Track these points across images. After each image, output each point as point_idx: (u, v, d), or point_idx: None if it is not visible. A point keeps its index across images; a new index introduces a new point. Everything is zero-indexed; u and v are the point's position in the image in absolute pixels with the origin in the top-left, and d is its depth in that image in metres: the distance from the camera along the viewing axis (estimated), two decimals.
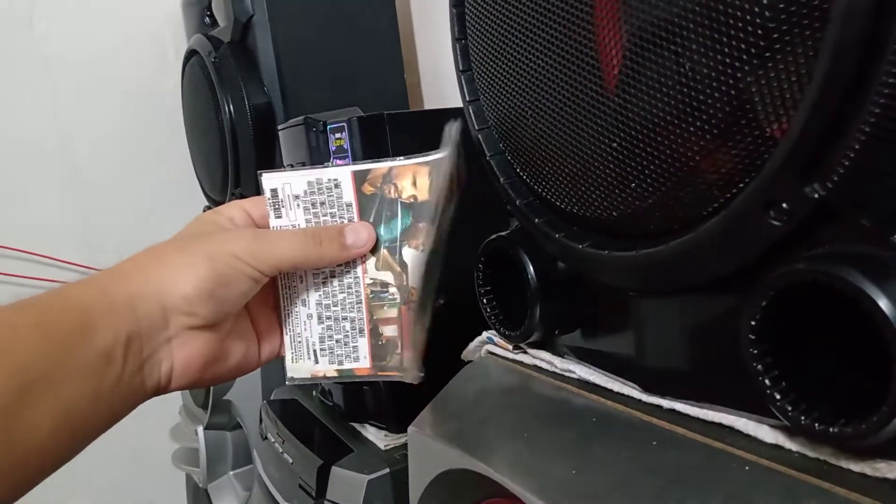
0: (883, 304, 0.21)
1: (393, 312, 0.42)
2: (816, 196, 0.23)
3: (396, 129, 0.62)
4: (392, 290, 0.42)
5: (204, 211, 1.10)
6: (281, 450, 0.74)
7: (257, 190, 0.97)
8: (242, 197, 0.93)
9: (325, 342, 0.43)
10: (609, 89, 0.30)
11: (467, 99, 0.39)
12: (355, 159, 0.59)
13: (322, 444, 0.69)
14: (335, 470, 0.63)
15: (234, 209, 0.43)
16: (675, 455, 0.29)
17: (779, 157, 0.24)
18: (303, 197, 0.42)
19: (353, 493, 0.61)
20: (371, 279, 0.42)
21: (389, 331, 0.42)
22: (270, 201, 0.42)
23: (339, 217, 0.42)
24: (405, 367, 0.40)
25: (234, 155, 0.90)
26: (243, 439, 1.03)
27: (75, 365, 0.32)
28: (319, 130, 0.62)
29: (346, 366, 0.43)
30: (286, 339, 0.43)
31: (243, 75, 0.88)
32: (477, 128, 0.39)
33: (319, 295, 0.43)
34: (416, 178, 0.40)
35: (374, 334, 0.42)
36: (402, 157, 0.41)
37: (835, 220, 0.24)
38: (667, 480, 0.27)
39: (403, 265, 0.42)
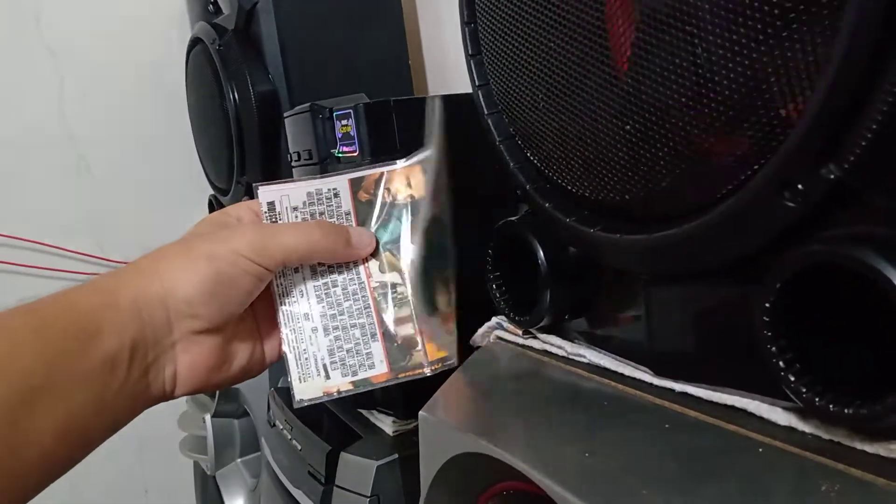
0: None
1: (406, 311, 0.41)
2: (832, 177, 0.23)
3: (403, 115, 0.61)
4: (401, 289, 0.41)
5: (209, 200, 1.11)
6: (289, 437, 0.75)
7: (264, 178, 0.97)
8: (248, 185, 0.93)
9: (336, 354, 0.41)
10: (621, 71, 0.30)
11: (477, 83, 0.39)
12: (362, 146, 0.59)
13: (330, 431, 0.69)
14: (344, 456, 0.64)
15: (242, 209, 0.42)
16: (687, 438, 0.29)
17: (795, 138, 0.23)
18: (301, 208, 0.41)
19: (362, 478, 0.62)
20: (377, 282, 0.41)
21: (404, 330, 0.41)
22: (267, 214, 0.41)
23: None
24: (452, 353, 0.39)
25: (239, 143, 0.89)
26: (251, 427, 1.03)
27: (79, 372, 0.32)
28: (326, 117, 0.62)
29: (362, 375, 0.40)
30: (290, 358, 0.41)
31: (248, 63, 0.88)
32: (487, 112, 0.39)
33: (323, 306, 0.41)
34: (410, 178, 0.40)
35: (388, 337, 0.41)
36: (392, 162, 0.41)
37: (851, 202, 0.24)
38: (680, 463, 0.27)
39: (408, 263, 0.42)
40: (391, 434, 0.66)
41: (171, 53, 1.26)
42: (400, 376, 0.40)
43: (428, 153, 0.39)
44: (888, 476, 0.23)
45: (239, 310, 0.38)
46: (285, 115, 0.70)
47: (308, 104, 0.63)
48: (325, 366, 0.40)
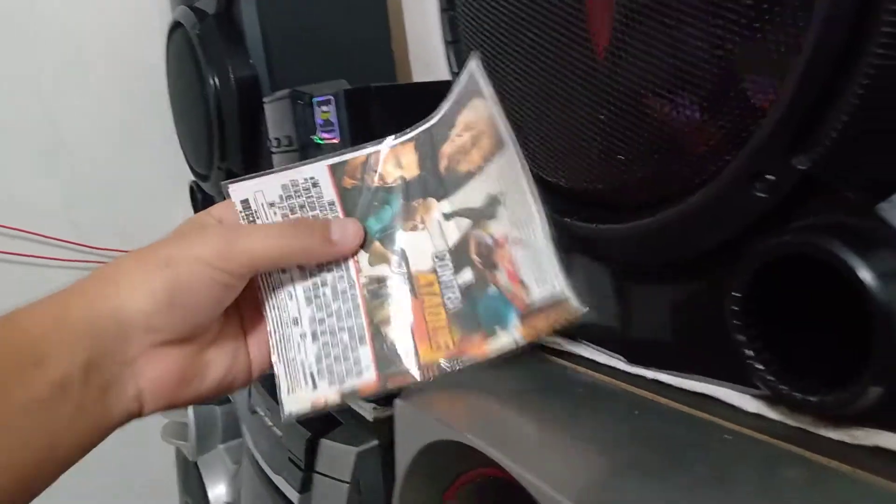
0: (865, 274, 0.22)
1: (396, 308, 0.37)
2: (803, 168, 0.23)
3: (384, 101, 0.61)
4: (391, 282, 0.37)
5: (190, 186, 1.10)
6: (270, 423, 0.75)
7: (245, 166, 0.96)
8: (229, 171, 0.92)
9: (322, 361, 0.37)
10: (598, 60, 0.30)
11: (454, 71, 0.38)
12: (342, 133, 0.59)
13: (311, 417, 0.69)
14: (324, 442, 0.64)
15: (225, 209, 0.39)
16: (658, 424, 0.29)
17: (766, 130, 0.24)
18: (279, 203, 0.37)
19: (342, 464, 0.62)
20: (367, 277, 0.37)
21: (395, 330, 0.36)
22: (243, 214, 0.37)
23: (324, 218, 0.38)
24: (566, 295, 0.30)
25: (219, 129, 0.89)
26: (232, 413, 1.03)
27: (20, 403, 0.29)
28: (306, 103, 0.61)
29: (349, 384, 0.36)
30: (279, 368, 0.37)
31: (228, 47, 0.87)
32: None
33: (312, 309, 0.37)
34: (401, 158, 0.36)
35: (377, 338, 0.36)
36: (378, 142, 0.37)
37: (820, 193, 0.24)
38: (650, 450, 0.27)
39: (401, 252, 0.37)
40: (371, 420, 0.66)
41: (151, 37, 1.24)
42: (389, 384, 0.36)
43: (424, 127, 0.35)
44: (852, 462, 0.24)
45: (207, 320, 0.35)
46: (265, 100, 0.70)
47: (288, 90, 0.63)
48: (311, 374, 0.37)
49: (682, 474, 0.25)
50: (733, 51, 0.24)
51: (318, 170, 0.37)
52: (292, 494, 0.67)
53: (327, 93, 0.59)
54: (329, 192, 0.37)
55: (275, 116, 0.67)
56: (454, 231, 0.35)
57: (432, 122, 0.36)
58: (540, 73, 0.33)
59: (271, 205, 0.37)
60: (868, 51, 0.20)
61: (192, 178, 1.09)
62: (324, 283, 0.37)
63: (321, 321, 0.37)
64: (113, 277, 0.33)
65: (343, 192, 0.37)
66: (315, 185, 0.37)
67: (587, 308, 0.30)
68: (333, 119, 0.59)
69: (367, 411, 0.67)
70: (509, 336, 0.33)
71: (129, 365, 0.33)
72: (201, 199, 1.04)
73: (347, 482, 0.61)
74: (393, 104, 0.63)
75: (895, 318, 0.21)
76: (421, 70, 1.02)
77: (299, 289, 0.37)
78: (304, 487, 0.65)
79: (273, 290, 0.38)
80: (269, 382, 0.84)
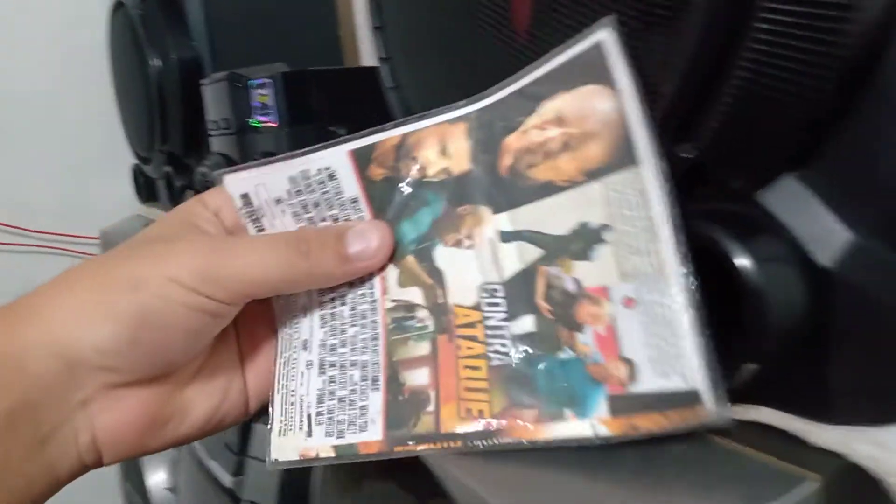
0: (739, 257, 0.23)
1: (422, 348, 0.28)
2: (689, 157, 0.24)
3: (323, 85, 0.61)
4: (421, 313, 0.28)
5: (133, 172, 1.08)
6: None
7: (185, 148, 0.94)
8: (170, 155, 0.91)
9: (325, 402, 0.29)
10: (518, 41, 0.30)
11: (382, 57, 0.39)
12: (280, 117, 0.59)
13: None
14: (256, 427, 0.64)
15: (223, 196, 0.31)
16: None
17: (655, 120, 0.25)
18: (287, 200, 0.29)
19: None
20: (392, 302, 0.29)
21: (415, 377, 0.28)
22: (244, 211, 0.30)
23: (345, 220, 0.30)
24: (703, 397, 0.21)
25: (160, 111, 0.87)
26: None
27: None
28: (242, 86, 0.61)
29: (349, 439, 0.28)
30: (276, 401, 0.30)
31: (170, 28, 0.85)
32: (391, 87, 0.39)
33: (325, 332, 0.30)
34: (447, 142, 0.27)
35: (392, 384, 0.28)
36: (418, 116, 0.27)
37: (706, 181, 0.25)
38: None
39: (437, 274, 0.28)
40: None
41: (92, 17, 1.21)
42: (395, 451, 0.27)
43: (487, 102, 0.26)
44: (728, 436, 0.25)
45: (184, 357, 0.28)
46: (203, 82, 0.69)
47: (225, 72, 0.63)
48: (308, 417, 0.29)
49: (569, 453, 0.26)
50: (633, 44, 0.25)
51: (336, 157, 0.28)
52: (226, 479, 0.67)
53: (264, 75, 0.59)
54: (351, 185, 0.29)
55: (212, 99, 0.67)
56: (514, 259, 0.26)
57: (496, 97, 0.26)
58: (461, 55, 0.33)
59: (278, 202, 0.30)
60: (745, 44, 0.22)
61: (135, 161, 1.07)
62: (342, 300, 0.30)
63: (332, 349, 0.30)
64: (56, 302, 0.26)
65: (370, 186, 0.29)
66: (332, 177, 0.29)
67: (729, 415, 0.22)
68: (271, 102, 0.59)
69: None
70: (586, 426, 0.24)
71: (77, 411, 0.26)
72: (143, 183, 1.02)
73: None
74: (333, 88, 0.63)
75: (767, 298, 0.23)
76: (369, 54, 1.02)
77: (316, 302, 0.30)
78: (238, 471, 0.65)
79: (288, 301, 0.31)
80: None
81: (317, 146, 0.29)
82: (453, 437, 0.26)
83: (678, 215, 0.22)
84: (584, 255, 0.24)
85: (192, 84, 0.86)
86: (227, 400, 0.30)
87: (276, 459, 0.30)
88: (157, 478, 1.03)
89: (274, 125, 0.58)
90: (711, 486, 0.23)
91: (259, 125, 0.60)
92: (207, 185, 0.67)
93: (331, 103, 0.61)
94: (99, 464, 0.28)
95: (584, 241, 0.24)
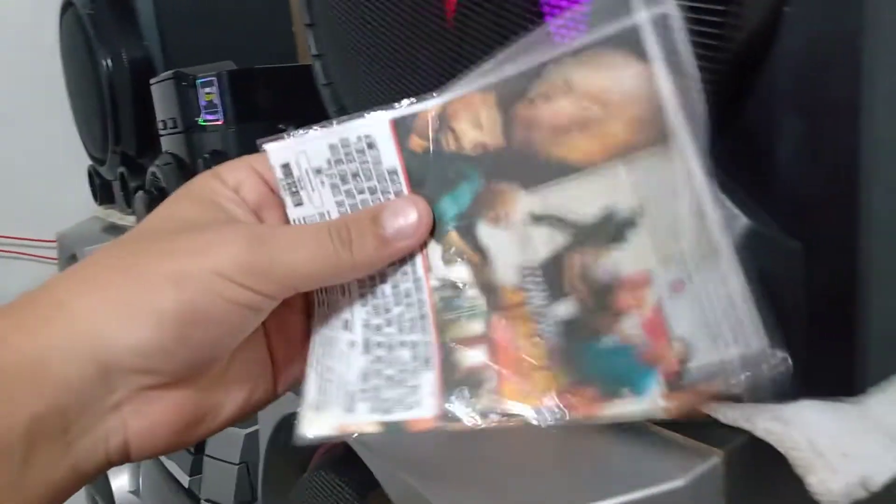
0: None
1: (476, 328, 0.27)
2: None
3: (269, 83, 0.61)
4: (471, 292, 0.27)
5: (88, 170, 1.07)
6: None
7: (139, 149, 0.94)
8: (124, 155, 0.90)
9: (370, 380, 0.28)
10: (447, 26, 0.30)
11: (314, 53, 0.39)
12: (226, 116, 0.59)
13: None
14: None
15: (242, 170, 0.29)
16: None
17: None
18: (327, 170, 0.28)
19: (230, 447, 0.62)
20: (438, 280, 0.28)
21: (470, 357, 0.27)
22: (284, 183, 0.29)
23: (383, 193, 0.28)
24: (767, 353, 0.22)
25: (112, 111, 0.86)
26: None
27: None
28: (189, 85, 0.61)
29: (397, 415, 0.27)
30: (311, 377, 0.30)
31: (120, 27, 0.85)
32: (323, 83, 0.39)
33: (368, 311, 0.29)
34: (480, 114, 0.25)
35: (448, 364, 0.27)
36: (461, 83, 0.26)
37: None
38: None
39: (482, 252, 0.27)
40: None
41: (43, 16, 1.19)
42: (450, 427, 0.27)
43: (513, 72, 0.24)
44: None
45: (224, 354, 0.27)
46: (151, 81, 0.69)
47: (172, 71, 0.62)
48: (351, 394, 0.28)
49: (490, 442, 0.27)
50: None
51: (377, 125, 0.27)
52: (183, 478, 0.67)
53: (210, 74, 0.59)
54: (390, 156, 0.28)
55: (161, 98, 0.67)
56: (545, 243, 0.25)
57: (526, 65, 0.24)
58: (388, 50, 0.34)
59: (318, 171, 0.28)
60: None
61: (90, 163, 1.06)
62: (382, 279, 0.29)
63: (377, 328, 0.29)
64: (87, 300, 0.24)
65: (409, 157, 0.27)
66: (371, 145, 0.28)
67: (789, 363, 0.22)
68: (217, 101, 0.59)
69: None
70: (645, 405, 0.24)
71: (108, 414, 0.25)
72: (99, 185, 1.01)
73: (236, 464, 0.61)
74: (280, 86, 0.63)
75: None
76: None
77: (354, 282, 0.29)
78: (195, 470, 0.65)
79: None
80: None
81: (357, 113, 0.28)
82: (517, 414, 0.26)
83: (717, 190, 0.22)
84: (618, 240, 0.23)
85: (144, 84, 0.85)
86: (258, 387, 0.29)
87: (305, 434, 0.29)
88: (120, 481, 1.02)
89: (219, 123, 0.58)
90: (619, 466, 0.24)
91: (205, 124, 0.60)
92: (158, 185, 0.67)
93: (278, 100, 0.61)
94: (126, 461, 0.26)
95: (614, 227, 0.23)
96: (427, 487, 0.25)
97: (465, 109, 0.26)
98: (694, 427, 0.25)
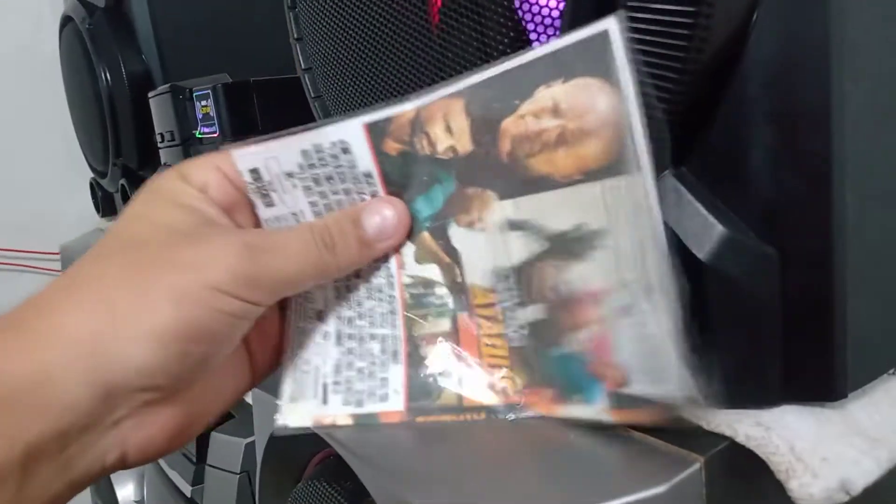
0: None
1: (443, 324, 0.29)
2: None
3: (265, 95, 0.62)
4: (440, 290, 0.29)
5: (90, 183, 1.07)
6: None
7: (139, 161, 0.94)
8: (125, 168, 0.91)
9: (342, 372, 0.30)
10: (432, 29, 0.31)
11: (302, 67, 0.40)
12: (222, 128, 0.59)
13: None
14: (214, 435, 0.64)
15: (207, 170, 0.28)
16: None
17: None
18: (299, 174, 0.28)
19: (232, 456, 0.63)
20: (410, 277, 0.29)
21: (437, 352, 0.29)
22: (253, 186, 0.29)
23: (358, 194, 0.29)
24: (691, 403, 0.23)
25: (113, 124, 0.87)
26: None
27: None
28: (186, 98, 0.61)
29: (368, 408, 0.29)
30: (288, 367, 0.31)
31: (119, 42, 0.85)
32: (312, 96, 0.40)
33: (341, 304, 0.30)
34: (450, 120, 0.26)
35: (414, 358, 0.29)
36: (433, 88, 0.26)
37: None
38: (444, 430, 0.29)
39: (453, 252, 0.28)
40: None
41: (43, 31, 1.21)
42: (419, 420, 0.28)
43: (481, 78, 0.24)
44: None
45: (219, 362, 0.27)
46: (149, 95, 0.69)
47: (168, 84, 0.63)
48: (324, 386, 0.30)
49: (481, 445, 0.27)
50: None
51: (351, 131, 0.27)
52: (186, 488, 0.67)
53: (206, 87, 0.60)
54: (365, 160, 0.28)
55: (158, 111, 0.67)
56: (521, 248, 0.26)
57: (489, 73, 0.24)
58: (370, 63, 0.34)
59: (289, 175, 0.28)
60: None
61: (92, 176, 1.06)
62: (356, 273, 0.30)
63: (349, 321, 0.30)
64: (80, 319, 0.24)
65: (384, 160, 0.28)
66: (346, 150, 0.28)
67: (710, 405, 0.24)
68: (213, 113, 0.60)
69: None
70: (594, 411, 0.25)
71: (108, 431, 0.25)
72: (102, 197, 1.02)
73: (237, 473, 0.62)
74: (276, 98, 0.63)
75: None
76: None
77: None
78: (196, 480, 0.66)
79: None
80: None
81: (331, 119, 0.28)
82: (478, 409, 0.27)
83: (667, 231, 0.23)
84: (581, 256, 0.24)
85: (144, 97, 0.86)
86: (240, 382, 0.30)
87: (285, 425, 0.30)
88: (125, 491, 1.02)
89: (216, 135, 0.59)
90: (600, 473, 0.24)
91: (202, 136, 0.60)
92: None
93: (274, 112, 0.61)
94: (121, 469, 0.26)
95: (581, 242, 0.24)
96: (415, 497, 0.25)
97: (438, 114, 0.26)
98: (675, 433, 0.25)
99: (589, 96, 0.22)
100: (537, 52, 0.23)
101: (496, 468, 0.26)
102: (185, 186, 0.28)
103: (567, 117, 0.23)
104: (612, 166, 0.22)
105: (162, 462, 0.74)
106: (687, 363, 0.22)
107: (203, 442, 0.65)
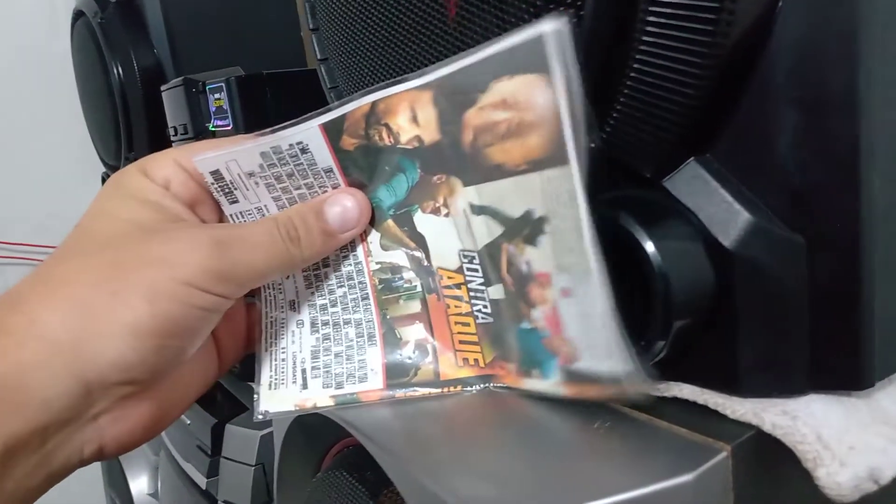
0: (645, 241, 0.24)
1: (414, 306, 0.30)
2: (592, 145, 0.25)
3: (277, 88, 0.62)
4: (408, 275, 0.30)
5: (102, 177, 1.08)
6: None
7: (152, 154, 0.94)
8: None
9: (320, 357, 0.31)
10: (449, 21, 0.30)
11: (318, 58, 0.40)
12: (235, 121, 0.59)
13: (218, 404, 0.70)
14: (229, 428, 0.65)
15: (168, 167, 0.29)
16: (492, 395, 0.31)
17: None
18: (260, 173, 0.29)
19: (246, 448, 0.63)
20: (377, 263, 0.31)
21: (411, 332, 0.31)
22: (216, 186, 0.30)
23: (319, 188, 0.30)
24: (632, 379, 0.24)
25: (125, 118, 0.88)
26: None
27: None
28: (199, 91, 0.61)
29: (348, 388, 0.31)
30: (264, 358, 0.32)
31: (131, 36, 0.86)
32: (329, 87, 0.40)
33: (312, 292, 0.32)
34: (416, 109, 0.27)
35: (389, 339, 0.31)
36: (388, 84, 0.27)
37: (614, 168, 0.26)
38: (476, 417, 0.29)
39: (419, 238, 0.30)
40: None
41: (56, 26, 1.21)
42: (398, 396, 0.30)
43: (448, 70, 0.25)
44: (650, 412, 0.26)
45: (191, 354, 0.28)
46: (161, 88, 0.69)
47: (181, 78, 0.63)
48: (303, 371, 0.31)
49: (501, 432, 0.27)
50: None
51: (308, 133, 0.28)
52: (201, 480, 0.68)
53: (219, 80, 0.60)
54: (324, 157, 0.29)
55: (171, 104, 0.67)
56: (484, 232, 0.28)
57: (454, 67, 0.25)
58: (389, 53, 0.34)
59: (250, 175, 0.29)
60: (636, 34, 0.23)
61: (104, 170, 1.07)
62: (324, 262, 0.31)
63: (323, 308, 0.32)
64: (56, 316, 0.24)
65: (343, 156, 0.29)
66: (304, 150, 0.29)
67: (647, 391, 0.25)
68: (226, 107, 0.60)
69: None
70: (549, 385, 0.27)
71: (86, 425, 0.25)
72: None
73: (252, 465, 0.62)
74: (288, 91, 0.63)
75: (670, 280, 0.24)
76: None
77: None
78: (212, 472, 0.66)
79: None
80: None
81: (286, 123, 0.29)
82: (453, 382, 0.30)
83: (591, 222, 0.23)
84: (531, 241, 0.26)
85: (156, 91, 0.86)
86: (209, 371, 0.31)
87: (265, 411, 0.31)
88: (139, 484, 1.03)
89: (229, 128, 0.59)
90: (626, 462, 0.24)
91: (216, 129, 0.60)
92: None
93: (287, 105, 0.61)
94: (98, 461, 0.27)
95: (530, 227, 0.26)
96: (439, 486, 0.25)
97: (402, 105, 0.27)
98: (701, 422, 0.25)
99: (531, 91, 0.23)
100: (494, 47, 0.24)
101: (520, 456, 0.26)
102: (148, 183, 0.29)
103: (514, 110, 0.24)
104: (549, 157, 0.24)
105: (176, 454, 0.75)
106: (626, 342, 0.23)
107: (218, 434, 0.65)
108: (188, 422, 0.72)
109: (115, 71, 0.87)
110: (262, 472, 0.62)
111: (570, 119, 0.23)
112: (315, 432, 0.37)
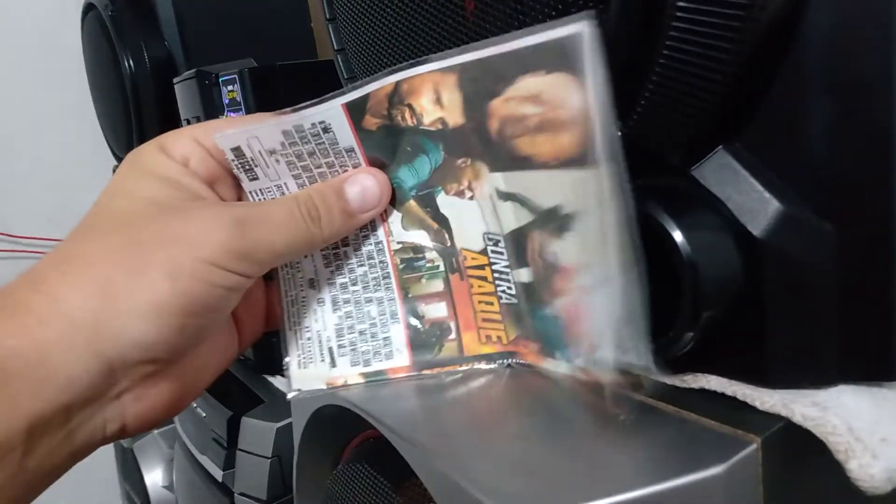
0: (674, 230, 0.24)
1: (436, 285, 0.30)
2: (620, 133, 0.25)
3: (290, 79, 0.62)
4: (430, 255, 0.30)
5: (114, 169, 1.08)
6: (195, 405, 0.75)
7: None
8: None
9: (345, 335, 0.32)
10: (467, 19, 0.30)
11: (335, 48, 0.39)
12: (248, 112, 0.59)
13: (234, 397, 0.70)
14: (245, 420, 0.65)
15: (187, 144, 0.29)
16: (511, 382, 0.30)
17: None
18: (281, 150, 0.29)
19: (263, 440, 0.63)
20: (398, 243, 0.31)
21: (433, 310, 0.31)
22: (236, 163, 0.29)
23: (340, 167, 0.30)
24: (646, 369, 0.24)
25: (136, 111, 0.88)
26: None
27: None
28: (212, 83, 0.61)
29: (375, 366, 0.31)
30: (289, 335, 0.32)
31: (142, 28, 0.86)
32: (346, 77, 0.39)
33: (332, 271, 0.32)
34: (441, 91, 0.27)
35: (412, 317, 0.31)
36: (411, 63, 0.27)
37: (642, 157, 0.26)
38: (498, 405, 0.29)
39: (442, 219, 0.30)
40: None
41: (66, 18, 1.21)
42: (424, 372, 0.31)
43: (476, 56, 0.25)
44: (678, 404, 0.26)
45: (213, 332, 0.28)
46: (174, 80, 0.69)
47: (194, 70, 0.63)
48: (330, 350, 0.31)
49: (523, 422, 0.27)
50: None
51: (331, 112, 0.28)
52: (217, 473, 0.68)
53: (232, 72, 0.59)
54: (346, 136, 0.29)
55: (184, 97, 0.67)
56: (511, 217, 0.28)
57: (481, 54, 0.25)
58: (408, 44, 0.34)
59: (271, 153, 0.29)
60: (665, 32, 0.22)
61: (115, 162, 1.07)
62: (345, 243, 0.31)
63: (343, 287, 0.32)
64: (78, 296, 0.24)
65: (365, 136, 0.29)
66: (327, 130, 0.29)
67: (682, 379, 0.27)
68: (240, 98, 0.60)
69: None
70: (569, 369, 0.28)
71: (109, 403, 0.26)
72: None
73: (269, 457, 0.62)
74: (301, 82, 0.63)
75: (699, 269, 0.23)
76: None
77: None
78: (228, 465, 0.66)
79: None
80: None
81: (310, 102, 0.29)
82: (477, 358, 0.30)
83: (630, 220, 0.23)
84: (558, 234, 0.26)
85: (167, 83, 0.86)
86: (229, 350, 0.31)
87: (298, 389, 0.32)
88: (154, 476, 1.04)
89: None
90: (655, 454, 0.24)
91: None
92: None
93: (300, 97, 0.61)
94: (120, 439, 0.28)
95: (558, 222, 0.26)
96: (464, 477, 0.25)
97: (426, 86, 0.27)
98: (729, 414, 0.25)
99: (563, 91, 0.23)
100: (523, 41, 0.23)
101: (547, 446, 0.25)
102: (166, 160, 0.28)
103: (546, 107, 0.24)
104: (579, 158, 0.24)
105: (192, 447, 0.75)
106: (646, 343, 0.23)
107: (234, 427, 0.66)
108: (204, 414, 0.72)
109: (126, 63, 0.86)
110: (279, 464, 0.62)
111: (600, 122, 0.22)
112: (335, 425, 0.37)
